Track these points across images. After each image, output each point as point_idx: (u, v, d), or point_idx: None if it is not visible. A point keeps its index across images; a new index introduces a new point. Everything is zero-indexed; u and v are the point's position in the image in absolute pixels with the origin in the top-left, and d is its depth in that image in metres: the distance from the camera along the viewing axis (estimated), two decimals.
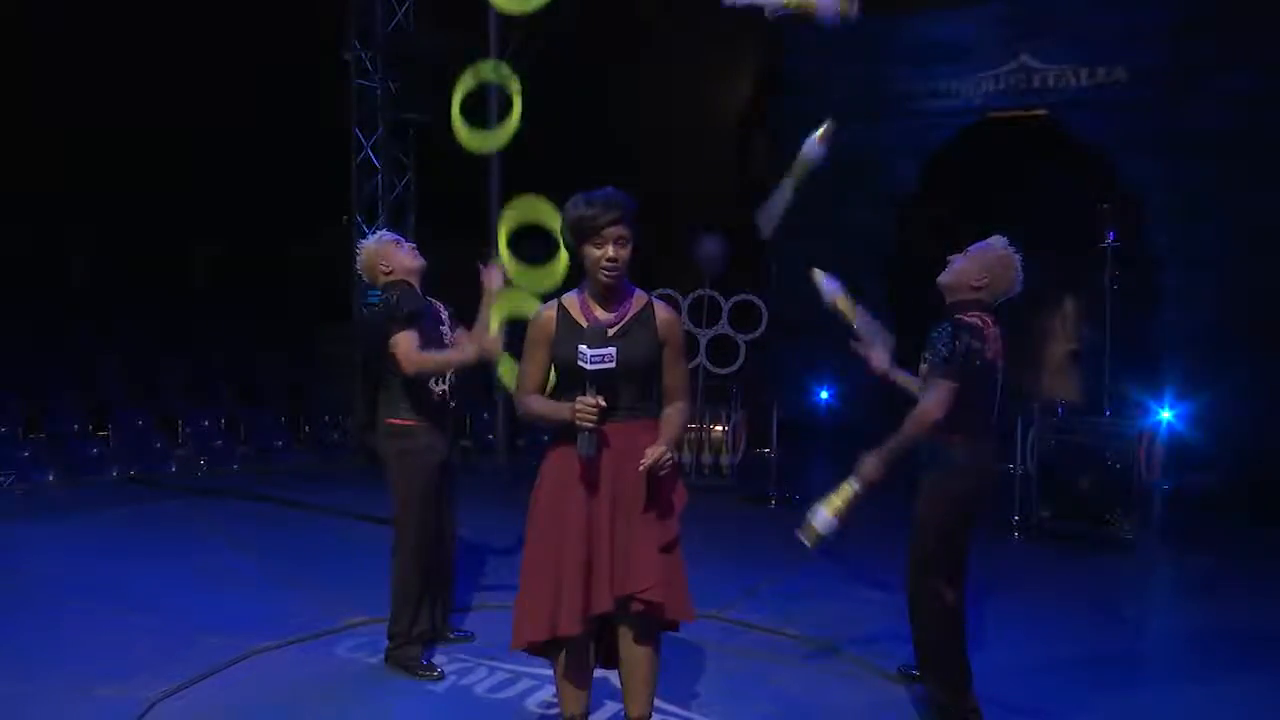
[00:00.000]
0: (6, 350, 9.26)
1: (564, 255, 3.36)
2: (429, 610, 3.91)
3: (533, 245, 3.83)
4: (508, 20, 8.57)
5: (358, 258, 4.04)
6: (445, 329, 3.98)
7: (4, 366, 9.01)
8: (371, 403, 3.99)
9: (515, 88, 3.13)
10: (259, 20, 10.27)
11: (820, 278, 3.68)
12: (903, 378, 3.63)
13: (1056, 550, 6.27)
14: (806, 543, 3.19)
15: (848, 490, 3.17)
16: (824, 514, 3.16)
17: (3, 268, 9.32)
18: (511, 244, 3.77)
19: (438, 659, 3.94)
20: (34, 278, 9.85)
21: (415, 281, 3.93)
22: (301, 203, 10.32)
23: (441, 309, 4.05)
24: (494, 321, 3.82)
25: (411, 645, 3.83)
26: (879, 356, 3.62)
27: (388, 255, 3.93)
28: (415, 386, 3.82)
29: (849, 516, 3.16)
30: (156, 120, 10.37)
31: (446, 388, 3.91)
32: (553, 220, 3.54)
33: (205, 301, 11.36)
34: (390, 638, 3.86)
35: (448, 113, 3.47)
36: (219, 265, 11.85)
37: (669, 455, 2.54)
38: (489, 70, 3.26)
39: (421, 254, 3.96)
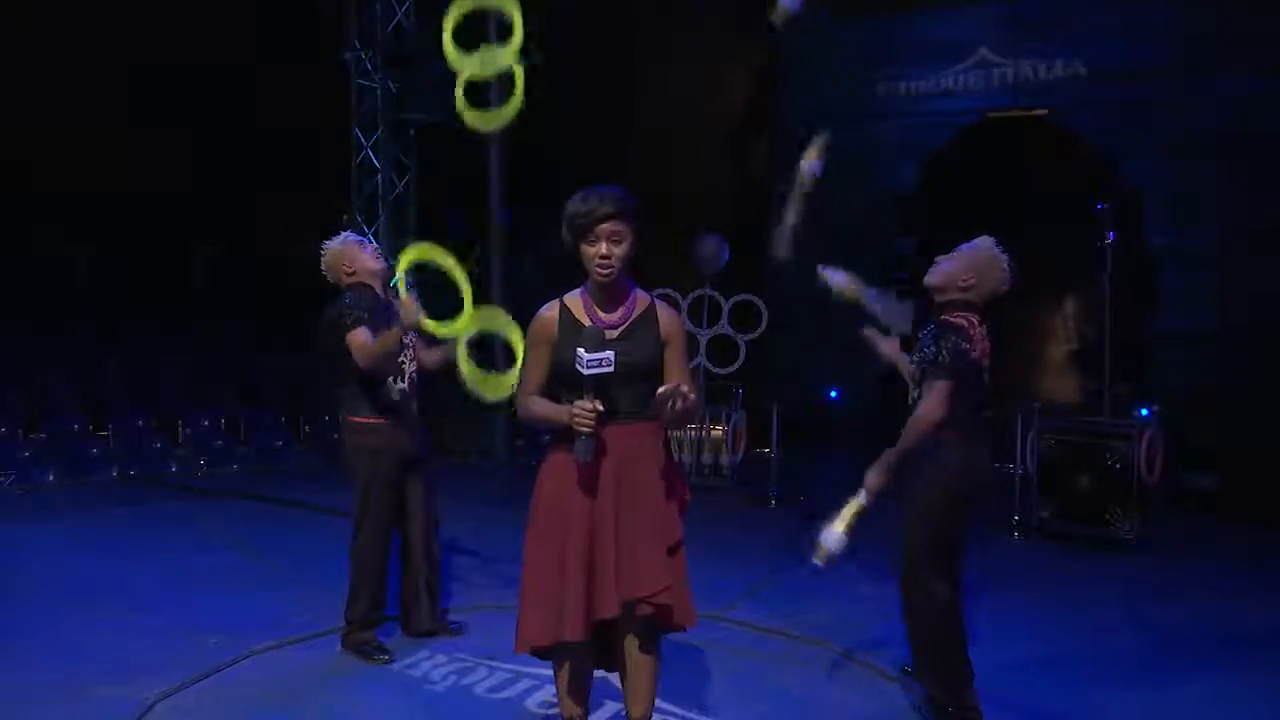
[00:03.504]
0: (6, 350, 9.25)
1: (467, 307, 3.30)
2: (383, 597, 4.05)
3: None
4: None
5: (322, 259, 4.08)
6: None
7: (4, 366, 9.01)
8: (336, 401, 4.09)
9: (518, 65, 3.08)
10: (259, 20, 10.28)
11: (826, 273, 3.71)
12: (907, 366, 3.63)
13: (1056, 550, 6.27)
14: (818, 562, 3.21)
15: (855, 505, 3.19)
16: (834, 532, 3.18)
17: (3, 268, 9.33)
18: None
19: (438, 658, 3.96)
20: (34, 278, 9.85)
21: (376, 284, 4.03)
22: (301, 203, 10.32)
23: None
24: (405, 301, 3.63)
25: (365, 630, 3.98)
26: (889, 344, 3.65)
27: (352, 257, 4.02)
28: (375, 385, 3.91)
29: (857, 529, 3.19)
30: (156, 120, 10.38)
31: (406, 386, 4.00)
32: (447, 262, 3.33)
33: (205, 301, 11.36)
34: (346, 623, 4.00)
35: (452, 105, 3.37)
36: (219, 265, 11.84)
37: (689, 392, 2.46)
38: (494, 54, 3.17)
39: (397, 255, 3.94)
